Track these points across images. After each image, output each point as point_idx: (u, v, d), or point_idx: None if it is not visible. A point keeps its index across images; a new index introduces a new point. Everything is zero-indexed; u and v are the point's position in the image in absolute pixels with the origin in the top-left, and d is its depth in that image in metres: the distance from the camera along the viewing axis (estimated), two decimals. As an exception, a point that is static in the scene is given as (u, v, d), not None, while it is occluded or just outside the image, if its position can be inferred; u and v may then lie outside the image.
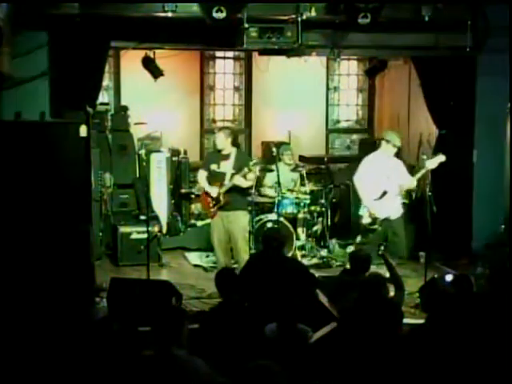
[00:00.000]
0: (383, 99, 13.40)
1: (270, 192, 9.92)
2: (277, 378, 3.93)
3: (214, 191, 8.53)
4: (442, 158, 8.28)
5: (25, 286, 7.12)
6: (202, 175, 8.78)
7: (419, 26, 8.64)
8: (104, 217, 10.02)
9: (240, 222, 8.53)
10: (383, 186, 8.47)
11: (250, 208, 9.05)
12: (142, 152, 10.82)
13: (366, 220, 8.60)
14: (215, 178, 8.58)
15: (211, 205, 8.57)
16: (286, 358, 5.39)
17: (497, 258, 8.08)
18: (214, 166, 8.60)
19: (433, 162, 8.27)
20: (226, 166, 8.52)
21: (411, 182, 8.49)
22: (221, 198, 8.48)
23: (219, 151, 8.64)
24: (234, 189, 8.48)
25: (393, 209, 8.53)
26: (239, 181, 8.45)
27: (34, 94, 8.09)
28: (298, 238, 9.76)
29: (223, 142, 8.58)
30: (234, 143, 9.03)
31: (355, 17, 8.06)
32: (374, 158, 8.73)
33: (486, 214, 9.45)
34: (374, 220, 8.52)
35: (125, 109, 11.22)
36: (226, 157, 8.56)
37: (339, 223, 10.86)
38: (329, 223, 10.29)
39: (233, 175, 8.46)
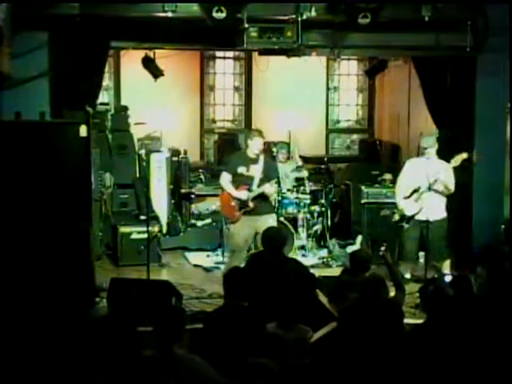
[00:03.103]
0: (383, 99, 13.42)
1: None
2: (271, 375, 3.97)
3: (243, 195, 8.35)
4: (464, 155, 8.21)
5: (25, 286, 7.12)
6: (226, 178, 8.52)
7: (419, 26, 8.63)
8: (104, 217, 10.01)
9: (269, 225, 8.41)
10: (417, 184, 8.38)
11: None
12: (142, 152, 10.82)
13: (395, 218, 8.54)
14: (243, 181, 8.41)
15: (236, 208, 8.42)
16: (287, 358, 5.40)
17: (495, 259, 8.06)
18: (241, 169, 8.41)
19: (456, 160, 8.21)
20: (255, 171, 8.37)
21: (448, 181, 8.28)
22: (249, 202, 8.34)
23: (246, 154, 8.47)
24: (262, 195, 8.39)
25: (428, 209, 8.28)
26: (269, 189, 8.35)
27: (33, 94, 8.08)
28: (298, 238, 9.76)
29: (261, 147, 8.41)
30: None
31: (355, 17, 8.05)
32: (414, 160, 8.69)
33: (486, 214, 9.43)
34: (402, 217, 8.43)
35: (125, 109, 11.23)
36: (255, 161, 8.39)
37: (339, 223, 10.86)
38: (329, 223, 10.29)
39: (261, 180, 8.34)
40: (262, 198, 8.42)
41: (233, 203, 8.45)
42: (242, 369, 4.19)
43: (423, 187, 8.27)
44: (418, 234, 8.45)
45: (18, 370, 5.16)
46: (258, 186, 8.34)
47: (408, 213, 8.40)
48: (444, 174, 8.27)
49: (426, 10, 8.27)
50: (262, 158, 8.44)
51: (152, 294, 7.23)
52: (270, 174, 8.43)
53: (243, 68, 13.18)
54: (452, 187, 8.34)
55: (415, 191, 8.34)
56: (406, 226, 8.43)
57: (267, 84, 12.82)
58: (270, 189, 8.36)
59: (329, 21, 8.65)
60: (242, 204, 8.37)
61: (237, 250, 8.52)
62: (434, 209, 8.30)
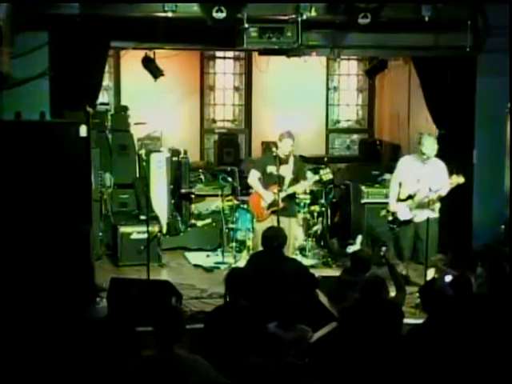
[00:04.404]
0: (383, 99, 13.41)
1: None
2: (267, 374, 3.99)
3: (268, 197, 8.42)
4: (460, 180, 8.02)
5: (25, 286, 7.12)
6: (254, 176, 8.58)
7: (419, 26, 8.64)
8: (104, 217, 10.01)
9: (292, 229, 8.42)
10: (411, 190, 8.36)
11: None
12: (142, 152, 10.82)
13: (388, 218, 8.51)
14: (273, 180, 8.43)
15: (265, 207, 8.45)
16: (287, 358, 5.40)
17: (494, 258, 8.06)
18: (271, 169, 8.44)
19: (452, 183, 8.04)
20: (286, 171, 8.43)
21: (443, 191, 8.11)
22: (279, 202, 8.32)
23: (276, 154, 8.43)
24: (291, 195, 8.48)
25: (418, 214, 8.29)
26: (300, 189, 8.56)
27: (34, 94, 8.08)
28: (297, 238, 9.75)
29: (290, 148, 8.44)
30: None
31: (355, 17, 8.06)
32: (409, 158, 8.57)
33: (486, 214, 9.44)
34: (394, 220, 8.43)
35: (125, 109, 11.23)
36: (285, 161, 8.43)
37: (339, 223, 10.86)
38: (329, 223, 10.29)
39: (292, 180, 8.43)
40: (291, 199, 8.54)
41: (262, 202, 8.52)
42: (238, 368, 4.20)
43: (417, 197, 8.20)
44: (412, 232, 8.43)
45: (17, 369, 5.16)
46: (289, 186, 8.43)
47: (401, 217, 8.38)
48: (438, 176, 8.17)
49: (425, 10, 8.28)
50: (291, 158, 8.50)
51: (152, 294, 7.23)
52: (299, 175, 8.53)
53: (243, 68, 13.18)
54: (445, 191, 8.14)
55: (410, 197, 8.30)
56: (397, 228, 8.42)
57: (267, 84, 12.82)
58: (301, 189, 8.58)
59: (329, 21, 8.66)
60: (272, 203, 8.40)
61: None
62: (425, 212, 8.24)
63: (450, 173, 8.16)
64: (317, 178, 8.75)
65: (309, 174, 9.02)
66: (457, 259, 9.11)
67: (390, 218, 8.46)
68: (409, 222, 8.37)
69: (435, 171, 8.23)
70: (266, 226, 8.13)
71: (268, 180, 8.49)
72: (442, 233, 8.95)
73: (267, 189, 8.47)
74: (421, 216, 8.25)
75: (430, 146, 8.21)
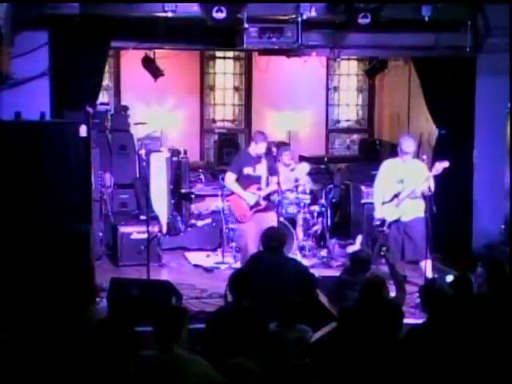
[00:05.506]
0: (383, 99, 13.41)
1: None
2: (250, 375, 4.01)
3: (251, 199, 8.50)
4: (445, 164, 8.18)
5: (25, 286, 7.12)
6: (231, 178, 8.64)
7: (419, 26, 8.65)
8: (104, 217, 10.01)
9: (273, 222, 8.44)
10: (394, 190, 8.38)
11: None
12: (142, 152, 10.82)
13: (375, 222, 8.58)
14: (250, 181, 8.54)
15: (247, 208, 8.52)
16: (287, 358, 5.41)
17: (494, 258, 8.07)
18: (248, 170, 8.54)
19: (437, 169, 8.15)
20: (261, 169, 8.54)
21: (425, 186, 8.19)
22: (261, 201, 8.48)
23: (249, 154, 8.60)
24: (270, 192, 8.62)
25: (405, 211, 8.35)
26: (276, 186, 8.58)
27: (33, 94, 8.09)
28: (297, 238, 9.75)
29: (264, 149, 8.55)
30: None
31: (355, 17, 8.06)
32: (389, 162, 8.65)
33: (486, 213, 9.44)
34: (383, 222, 8.46)
35: (125, 109, 11.22)
36: (259, 160, 8.54)
37: (339, 223, 10.86)
38: (329, 223, 10.28)
39: (267, 178, 8.55)
40: (269, 195, 8.62)
41: (244, 204, 8.56)
42: (222, 370, 4.21)
43: (403, 193, 8.27)
44: (401, 234, 8.45)
45: (17, 369, 5.16)
46: (266, 184, 8.54)
47: (389, 218, 8.41)
48: (421, 175, 8.22)
49: (425, 10, 8.28)
50: (263, 156, 8.57)
51: (152, 294, 7.23)
52: (272, 172, 8.62)
53: (243, 68, 13.17)
54: (431, 187, 8.18)
55: (396, 196, 8.34)
56: (386, 230, 8.45)
57: (267, 84, 12.81)
58: (276, 186, 8.57)
59: (329, 21, 8.67)
60: (254, 204, 8.49)
61: (249, 249, 8.54)
62: (412, 210, 8.31)
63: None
64: (297, 173, 9.40)
65: (281, 169, 9.28)
66: (457, 259, 9.10)
67: (378, 223, 8.50)
68: (397, 221, 8.39)
69: (416, 169, 8.33)
70: (249, 226, 8.45)
71: (245, 181, 8.57)
72: (441, 232, 8.97)
73: (246, 190, 8.54)
74: (407, 216, 8.31)
75: (409, 146, 8.38)
